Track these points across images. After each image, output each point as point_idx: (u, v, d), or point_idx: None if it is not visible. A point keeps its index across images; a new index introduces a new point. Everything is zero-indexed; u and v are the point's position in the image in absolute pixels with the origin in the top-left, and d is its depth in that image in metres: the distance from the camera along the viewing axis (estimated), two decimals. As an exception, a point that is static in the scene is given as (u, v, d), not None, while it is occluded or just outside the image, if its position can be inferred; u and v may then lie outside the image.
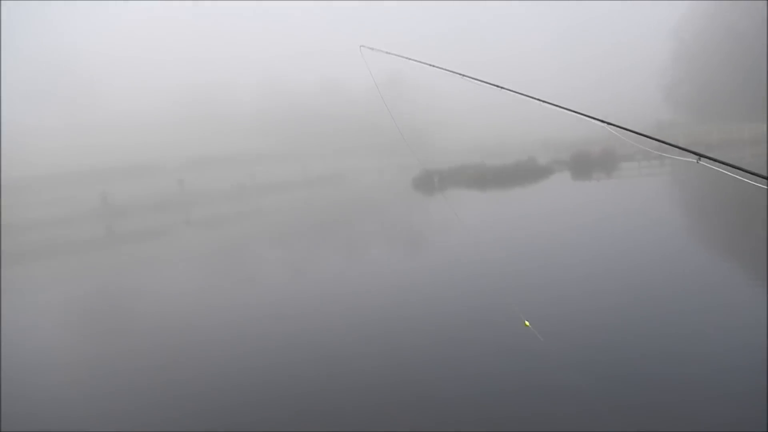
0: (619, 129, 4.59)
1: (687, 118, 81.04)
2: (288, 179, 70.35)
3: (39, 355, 14.26)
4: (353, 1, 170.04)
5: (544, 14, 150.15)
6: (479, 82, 5.46)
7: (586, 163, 48.57)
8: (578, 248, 19.01)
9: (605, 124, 4.60)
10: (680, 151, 4.23)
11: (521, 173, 45.63)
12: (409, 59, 6.56)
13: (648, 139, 4.64)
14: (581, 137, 57.20)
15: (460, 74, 5.83)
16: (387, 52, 6.84)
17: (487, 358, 10.56)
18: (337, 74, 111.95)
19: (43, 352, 14.48)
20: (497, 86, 5.48)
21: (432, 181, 48.61)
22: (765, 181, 3.68)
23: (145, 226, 46.28)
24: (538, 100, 5.14)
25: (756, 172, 3.79)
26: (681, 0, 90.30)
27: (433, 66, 6.24)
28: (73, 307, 20.30)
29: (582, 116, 4.88)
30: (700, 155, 4.08)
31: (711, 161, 3.99)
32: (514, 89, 5.35)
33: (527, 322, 6.65)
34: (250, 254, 27.64)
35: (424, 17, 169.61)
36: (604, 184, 40.20)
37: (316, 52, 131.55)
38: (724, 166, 3.96)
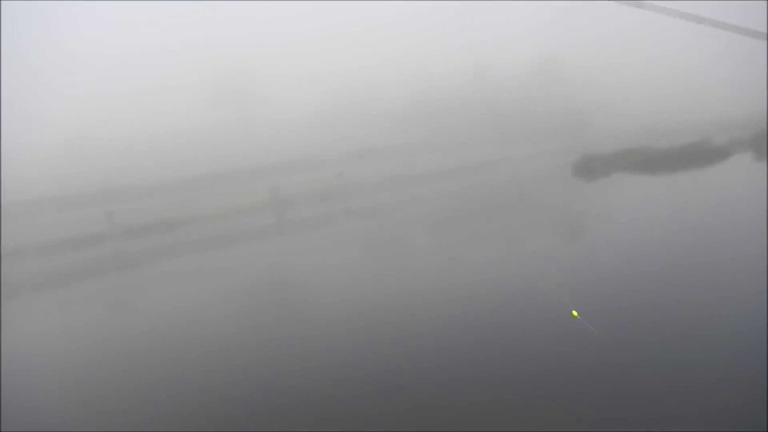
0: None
1: None
2: (442, 169, 70.56)
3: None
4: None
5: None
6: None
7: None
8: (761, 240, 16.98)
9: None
10: None
11: (694, 156, 41.73)
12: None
13: None
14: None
15: None
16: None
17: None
18: (487, 62, 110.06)
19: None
20: None
21: (593, 167, 46.19)
22: None
23: (310, 216, 49.12)
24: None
25: None
26: None
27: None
28: (246, 296, 22.22)
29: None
30: None
31: None
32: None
33: (575, 312, 6.35)
34: (406, 242, 28.32)
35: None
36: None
37: (463, 40, 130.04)
38: None
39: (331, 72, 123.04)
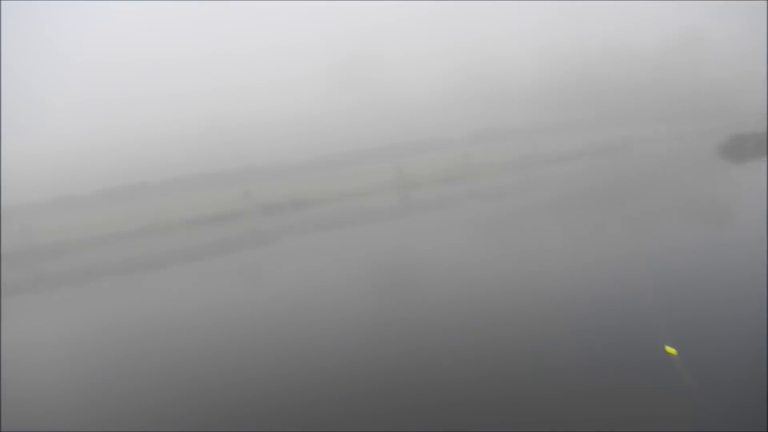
0: None
1: None
2: (572, 149, 68.37)
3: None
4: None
5: None
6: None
7: None
8: None
9: None
10: None
11: None
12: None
13: None
14: None
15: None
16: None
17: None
18: (621, 36, 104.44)
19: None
20: None
21: (743, 148, 42.50)
22: None
23: (435, 197, 49.56)
24: None
25: None
26: None
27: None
28: (366, 277, 22.85)
29: None
30: None
31: None
32: None
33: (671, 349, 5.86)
34: (530, 225, 27.80)
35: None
36: None
37: (595, 13, 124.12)
38: None
39: (457, 51, 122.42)
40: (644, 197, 32.36)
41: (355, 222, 41.66)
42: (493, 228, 28.93)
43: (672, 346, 9.75)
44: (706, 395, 8.19)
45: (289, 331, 15.10)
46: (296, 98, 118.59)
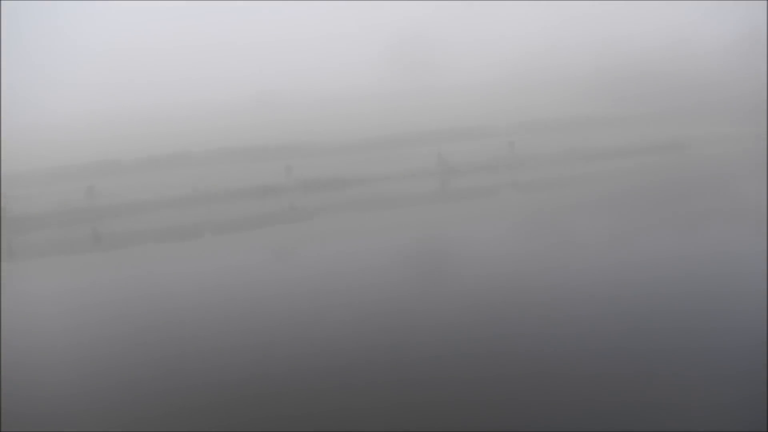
0: None
1: None
2: (624, 145, 66.29)
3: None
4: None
5: None
6: None
7: None
8: None
9: None
10: None
11: None
12: None
13: None
14: None
15: None
16: None
17: None
18: (685, 31, 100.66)
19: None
20: None
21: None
22: None
23: (475, 186, 48.76)
24: None
25: None
26: None
27: None
28: (402, 262, 22.47)
29: None
30: None
31: None
32: None
33: None
34: (574, 220, 26.98)
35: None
36: None
37: (660, 8, 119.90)
38: None
39: (509, 38, 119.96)
40: (694, 198, 31.05)
41: (393, 205, 41.25)
42: (533, 221, 28.20)
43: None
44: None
45: (316, 312, 14.84)
46: (343, 74, 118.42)
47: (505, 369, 9.98)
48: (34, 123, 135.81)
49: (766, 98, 56.17)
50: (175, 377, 11.18)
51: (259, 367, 11.17)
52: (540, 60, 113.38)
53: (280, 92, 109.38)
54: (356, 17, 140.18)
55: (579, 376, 9.31)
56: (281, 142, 74.88)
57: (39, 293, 22.51)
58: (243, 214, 41.22)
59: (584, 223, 25.87)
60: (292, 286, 18.45)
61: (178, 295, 18.89)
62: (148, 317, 16.18)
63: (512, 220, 29.50)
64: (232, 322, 14.75)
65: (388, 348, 11.53)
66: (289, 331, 13.42)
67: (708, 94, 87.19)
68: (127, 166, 78.76)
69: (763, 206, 24.20)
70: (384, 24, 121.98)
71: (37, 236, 47.18)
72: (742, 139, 64.05)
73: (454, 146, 66.96)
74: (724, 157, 53.22)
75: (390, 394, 9.47)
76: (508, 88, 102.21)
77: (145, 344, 13.55)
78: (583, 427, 7.73)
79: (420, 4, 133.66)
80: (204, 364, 11.68)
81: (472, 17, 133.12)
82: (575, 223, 26.12)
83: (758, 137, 59.11)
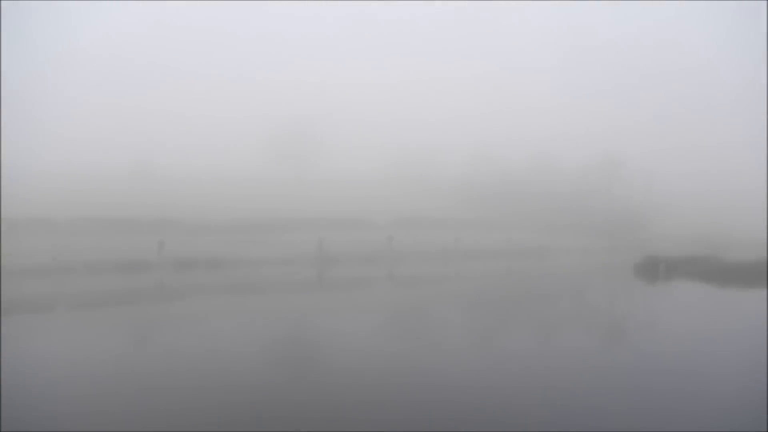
0: None
1: None
2: (490, 248, 70.41)
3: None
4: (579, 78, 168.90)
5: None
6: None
7: None
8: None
9: None
10: None
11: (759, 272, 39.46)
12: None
13: None
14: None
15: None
16: None
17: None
18: (550, 150, 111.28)
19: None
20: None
21: (656, 269, 44.99)
22: None
23: (352, 276, 49.28)
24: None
25: None
26: None
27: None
28: (269, 347, 22.11)
29: None
30: None
31: None
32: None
33: None
34: (441, 317, 27.96)
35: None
36: None
37: (530, 125, 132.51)
38: None
39: (394, 138, 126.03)
40: (553, 301, 33.36)
41: (267, 290, 40.60)
42: (405, 315, 28.86)
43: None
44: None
45: (171, 396, 14.06)
46: (225, 153, 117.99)
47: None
48: None
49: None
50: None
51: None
52: (420, 162, 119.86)
53: (158, 164, 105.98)
54: (246, 99, 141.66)
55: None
56: (155, 216, 71.91)
57: None
58: (105, 288, 38.74)
59: (453, 320, 26.87)
60: (151, 366, 17.44)
61: (18, 373, 17.14)
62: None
63: (385, 312, 30.01)
64: (78, 402, 13.65)
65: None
66: (140, 414, 12.63)
67: (568, 206, 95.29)
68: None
69: (613, 318, 26.50)
70: (273, 110, 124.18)
71: None
72: (597, 251, 70.13)
73: (334, 235, 67.66)
74: (580, 267, 57.93)
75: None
76: (389, 185, 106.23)
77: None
78: None
79: (309, 94, 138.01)
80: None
81: (359, 112, 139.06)
82: (444, 320, 27.06)
83: (612, 250, 64.83)
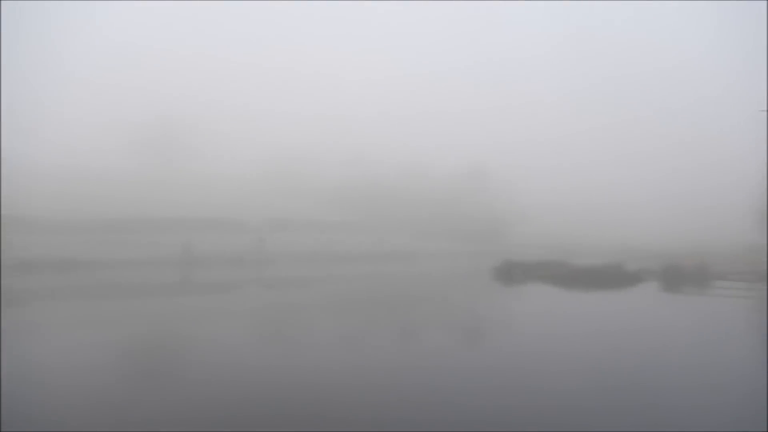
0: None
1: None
2: (362, 251, 71.24)
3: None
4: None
5: None
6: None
7: (678, 277, 43.59)
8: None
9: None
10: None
11: (608, 278, 42.77)
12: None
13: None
14: (671, 249, 55.68)
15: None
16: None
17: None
18: (422, 158, 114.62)
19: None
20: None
21: (511, 273, 47.52)
22: None
23: (221, 279, 47.81)
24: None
25: None
26: None
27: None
28: (126, 356, 20.86)
29: None
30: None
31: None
32: None
33: None
34: (301, 320, 27.79)
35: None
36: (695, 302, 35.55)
37: (402, 132, 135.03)
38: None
39: (268, 138, 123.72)
40: (417, 305, 34.17)
41: (124, 294, 38.25)
42: (270, 318, 28.31)
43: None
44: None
45: (16, 402, 12.65)
46: (89, 157, 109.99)
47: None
48: None
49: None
50: None
51: None
52: (294, 161, 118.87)
53: (18, 162, 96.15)
54: (109, 95, 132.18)
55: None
56: (8, 214, 65.19)
57: None
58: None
59: (321, 324, 26.65)
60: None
61: None
62: None
63: (251, 316, 29.25)
64: None
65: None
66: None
67: (439, 212, 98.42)
68: None
69: (476, 317, 27.56)
70: (138, 107, 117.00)
71: None
72: (462, 255, 72.91)
73: (202, 237, 65.24)
74: (448, 269, 60.03)
75: None
76: (262, 187, 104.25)
77: None
78: None
79: (180, 89, 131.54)
80: None
81: (233, 109, 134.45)
82: (312, 323, 26.80)
83: (474, 254, 67.58)
